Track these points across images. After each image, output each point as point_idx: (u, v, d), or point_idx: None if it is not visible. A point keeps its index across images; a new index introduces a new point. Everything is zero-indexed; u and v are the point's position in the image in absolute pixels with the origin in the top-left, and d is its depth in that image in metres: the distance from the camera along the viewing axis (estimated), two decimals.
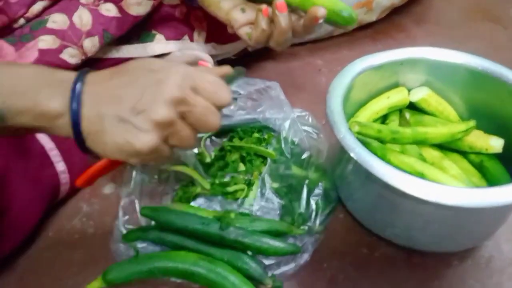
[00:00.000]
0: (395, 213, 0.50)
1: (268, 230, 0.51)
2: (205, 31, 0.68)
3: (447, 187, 0.43)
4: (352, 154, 0.46)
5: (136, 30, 0.63)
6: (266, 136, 0.65)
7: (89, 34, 0.57)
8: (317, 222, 0.53)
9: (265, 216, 0.55)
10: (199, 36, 0.68)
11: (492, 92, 0.56)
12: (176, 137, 0.39)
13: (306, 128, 0.64)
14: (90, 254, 0.52)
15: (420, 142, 0.55)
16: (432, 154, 0.57)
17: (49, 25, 0.56)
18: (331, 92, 0.53)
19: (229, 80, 0.45)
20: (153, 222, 0.53)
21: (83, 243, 0.53)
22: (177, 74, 0.38)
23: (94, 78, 0.38)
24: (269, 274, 0.49)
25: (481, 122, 0.56)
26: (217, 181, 0.59)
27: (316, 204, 0.54)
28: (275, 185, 0.58)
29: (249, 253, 0.50)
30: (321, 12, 0.48)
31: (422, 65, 0.59)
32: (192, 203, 0.57)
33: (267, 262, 0.50)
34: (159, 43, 0.65)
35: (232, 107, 0.67)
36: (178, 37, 0.66)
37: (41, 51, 0.55)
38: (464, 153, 0.58)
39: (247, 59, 0.79)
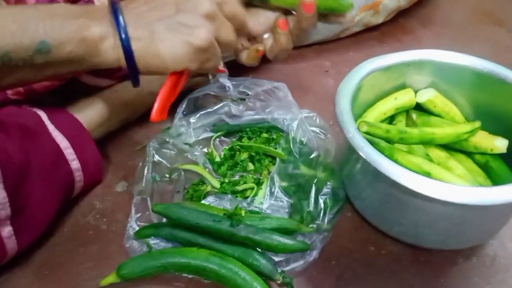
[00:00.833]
0: (402, 211, 0.51)
1: (277, 228, 0.52)
2: None
3: (454, 186, 0.44)
4: (360, 153, 0.47)
5: None
6: (274, 136, 0.66)
7: None
8: (325, 220, 0.54)
9: (275, 214, 0.56)
10: None
11: (496, 93, 0.57)
12: (222, 31, 0.42)
13: (314, 128, 0.65)
14: (104, 250, 0.53)
15: (427, 142, 0.56)
16: (438, 154, 0.58)
17: None
18: (339, 93, 0.54)
19: None
20: (164, 219, 0.54)
21: (97, 239, 0.54)
22: None
23: (127, 2, 0.41)
24: (279, 270, 0.51)
25: (486, 123, 0.57)
26: (226, 180, 0.60)
27: (324, 202, 0.55)
28: (284, 184, 0.59)
29: (259, 250, 0.51)
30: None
31: (428, 67, 0.60)
32: (202, 201, 0.58)
33: (276, 259, 0.51)
34: None
35: (240, 107, 0.68)
36: None
37: None
38: (469, 154, 0.59)
39: None
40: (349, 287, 0.51)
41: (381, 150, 0.51)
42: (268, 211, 0.56)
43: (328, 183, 0.57)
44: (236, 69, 0.69)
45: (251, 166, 0.63)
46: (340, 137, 0.59)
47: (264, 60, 0.56)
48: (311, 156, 0.61)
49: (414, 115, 0.62)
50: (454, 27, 0.97)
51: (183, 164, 0.60)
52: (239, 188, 0.59)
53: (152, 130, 0.68)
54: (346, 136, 0.49)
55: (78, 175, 0.55)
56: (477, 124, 0.56)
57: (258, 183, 0.60)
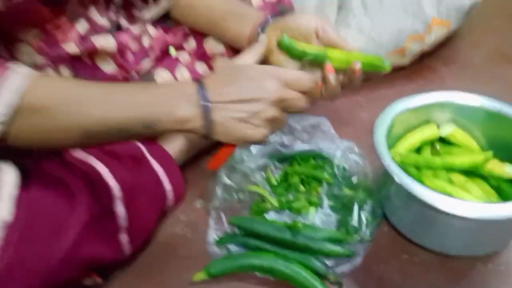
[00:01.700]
0: (431, 225, 0.64)
1: (328, 238, 0.65)
2: None
3: (473, 204, 0.57)
4: (395, 178, 0.60)
5: None
6: (320, 163, 0.80)
7: None
8: (367, 233, 0.66)
9: (325, 227, 0.69)
10: None
11: (505, 128, 0.69)
12: (278, 124, 0.56)
13: (353, 155, 0.77)
14: (190, 254, 0.67)
15: (449, 169, 0.68)
16: (459, 178, 0.69)
17: (157, 78, 0.73)
18: (376, 129, 0.67)
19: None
20: (237, 230, 0.68)
21: (184, 245, 0.68)
22: (272, 79, 0.54)
23: (211, 86, 0.54)
24: (331, 271, 0.63)
25: (498, 152, 0.68)
26: (283, 199, 0.74)
27: (366, 218, 0.67)
28: (331, 203, 0.72)
29: (315, 255, 0.64)
30: (357, 66, 0.61)
31: (449, 107, 0.73)
32: (265, 216, 0.72)
33: (328, 263, 0.64)
34: None
35: (291, 138, 0.82)
36: None
37: None
38: (484, 178, 0.70)
39: None
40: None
41: (412, 175, 0.63)
42: (319, 224, 0.69)
43: (367, 202, 0.70)
44: None
45: (302, 188, 0.76)
46: (376, 163, 0.69)
47: None
48: (352, 179, 0.74)
49: (437, 146, 0.74)
50: (473, 67, 1.05)
51: (251, 186, 0.74)
52: (295, 205, 0.72)
53: None
54: (383, 164, 0.62)
55: (170, 195, 0.69)
56: (490, 154, 0.67)
57: (310, 201, 0.73)
